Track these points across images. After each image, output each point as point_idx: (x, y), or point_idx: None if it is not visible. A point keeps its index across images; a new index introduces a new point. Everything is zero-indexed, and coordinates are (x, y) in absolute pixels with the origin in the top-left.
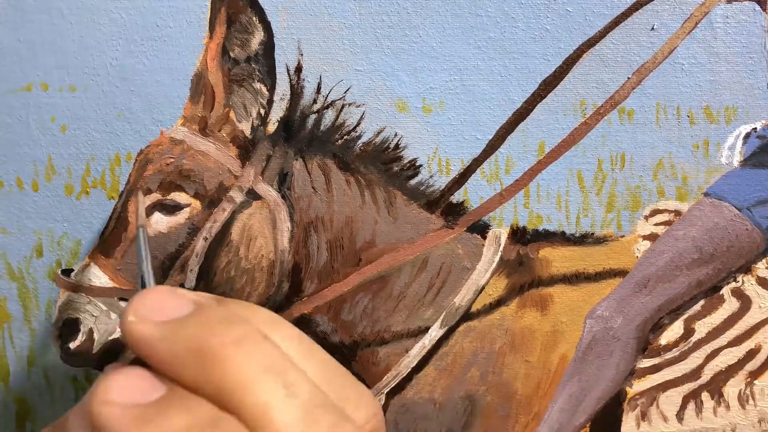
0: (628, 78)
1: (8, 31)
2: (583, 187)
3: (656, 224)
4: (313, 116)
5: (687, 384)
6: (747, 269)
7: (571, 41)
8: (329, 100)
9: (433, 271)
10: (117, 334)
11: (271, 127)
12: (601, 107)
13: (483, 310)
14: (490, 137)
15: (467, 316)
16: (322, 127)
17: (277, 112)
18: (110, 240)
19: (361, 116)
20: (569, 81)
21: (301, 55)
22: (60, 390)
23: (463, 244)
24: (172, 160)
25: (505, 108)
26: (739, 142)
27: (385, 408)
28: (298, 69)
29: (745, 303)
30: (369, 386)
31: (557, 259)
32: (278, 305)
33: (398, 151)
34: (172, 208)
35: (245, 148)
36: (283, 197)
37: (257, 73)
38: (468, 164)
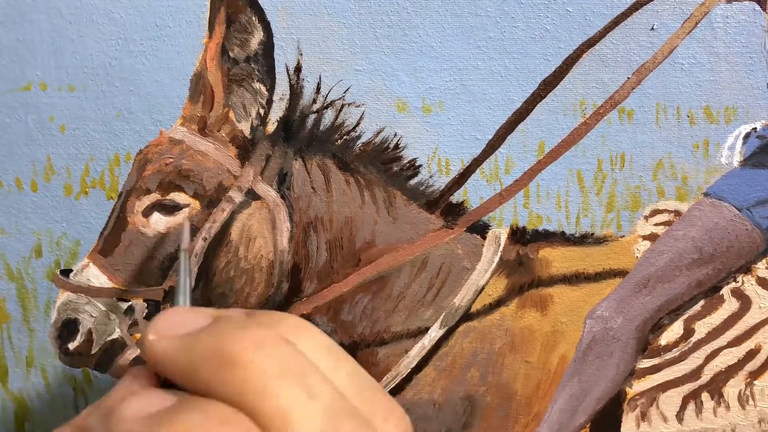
0: (628, 78)
1: (7, 31)
2: (583, 187)
3: (656, 224)
4: (313, 116)
5: (687, 384)
6: (747, 269)
7: (570, 41)
8: (329, 100)
9: (433, 271)
10: (116, 335)
11: (271, 127)
12: (601, 107)
13: (483, 310)
14: (490, 137)
15: (467, 316)
16: (321, 127)
17: (277, 112)
18: (109, 240)
19: (361, 116)
20: (569, 81)
21: (301, 54)
22: (59, 390)
23: (462, 245)
24: (171, 160)
25: (504, 108)
26: (739, 142)
27: None
28: (298, 69)
29: (745, 303)
30: None
31: (557, 259)
32: (278, 305)
33: (398, 151)
34: (171, 208)
35: (244, 148)
36: (282, 197)
37: (257, 72)
38: (468, 164)
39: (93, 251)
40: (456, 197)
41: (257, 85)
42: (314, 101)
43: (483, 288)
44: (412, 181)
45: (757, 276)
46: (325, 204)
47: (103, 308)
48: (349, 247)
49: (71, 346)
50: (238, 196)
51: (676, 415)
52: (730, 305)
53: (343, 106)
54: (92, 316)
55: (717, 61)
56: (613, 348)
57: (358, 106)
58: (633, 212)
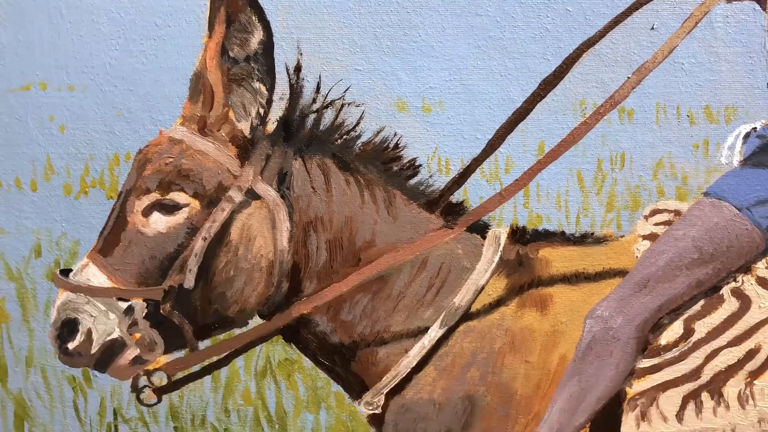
0: (628, 78)
1: (7, 31)
2: (583, 186)
3: (656, 224)
4: (313, 116)
5: (687, 384)
6: (747, 269)
7: (571, 41)
8: (329, 99)
9: (433, 271)
10: (115, 335)
11: (271, 127)
12: (601, 107)
13: (483, 310)
14: (490, 137)
15: (467, 316)
16: (321, 127)
17: (277, 112)
18: (109, 240)
19: (361, 116)
20: (569, 81)
21: (301, 54)
22: (58, 390)
23: (462, 244)
24: (171, 159)
25: (504, 107)
26: (739, 141)
27: (384, 408)
28: (298, 68)
29: (745, 303)
30: (368, 386)
31: (557, 259)
32: (277, 305)
33: (398, 150)
34: (171, 208)
35: (244, 148)
36: (282, 197)
37: (256, 72)
38: (468, 164)
39: (92, 251)
40: (456, 197)
41: (257, 85)
42: (314, 101)
43: (483, 288)
44: (412, 181)
45: (757, 276)
46: (325, 204)
47: (103, 308)
48: (349, 247)
49: (71, 345)
50: (237, 196)
51: (676, 415)
52: (730, 305)
53: (342, 105)
54: (92, 316)
55: (717, 61)
56: (613, 348)
57: (357, 106)
58: (633, 212)
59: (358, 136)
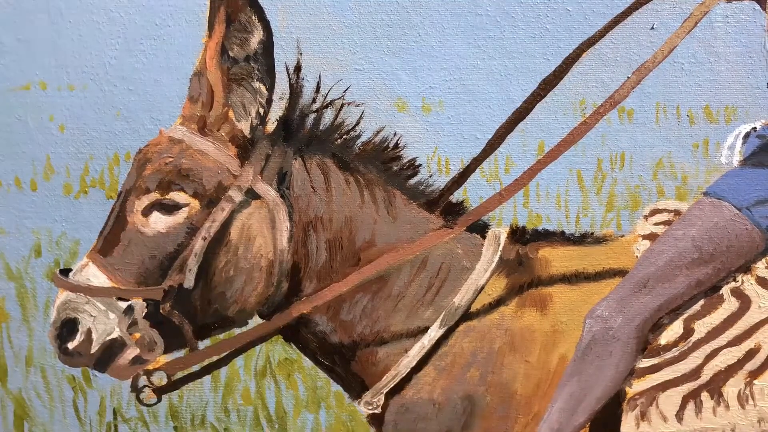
0: (628, 77)
1: (7, 30)
2: (583, 186)
3: (656, 224)
4: (313, 115)
5: (686, 384)
6: (746, 269)
7: (570, 40)
8: (328, 99)
9: (433, 270)
10: (115, 334)
11: (270, 127)
12: (601, 107)
13: (482, 309)
14: (490, 137)
15: (467, 315)
16: (321, 127)
17: (276, 112)
18: (109, 240)
19: (361, 115)
20: (569, 80)
21: (301, 54)
22: (58, 390)
23: (462, 244)
24: (170, 159)
25: (504, 107)
26: (739, 141)
27: (384, 408)
28: (298, 68)
29: (745, 303)
30: (368, 386)
31: (557, 258)
32: (277, 305)
33: (398, 150)
34: (171, 208)
35: (244, 148)
36: (282, 197)
37: (256, 72)
38: (467, 164)
39: (92, 250)
40: (456, 196)
41: (257, 85)
42: (314, 100)
43: (483, 287)
44: (412, 181)
45: (757, 275)
46: (324, 203)
47: (103, 307)
48: (349, 247)
49: (71, 345)
50: (237, 196)
51: (676, 415)
52: (730, 305)
53: (342, 105)
54: (91, 316)
55: (717, 61)
56: (612, 347)
57: (357, 106)
58: (633, 212)
59: (358, 136)
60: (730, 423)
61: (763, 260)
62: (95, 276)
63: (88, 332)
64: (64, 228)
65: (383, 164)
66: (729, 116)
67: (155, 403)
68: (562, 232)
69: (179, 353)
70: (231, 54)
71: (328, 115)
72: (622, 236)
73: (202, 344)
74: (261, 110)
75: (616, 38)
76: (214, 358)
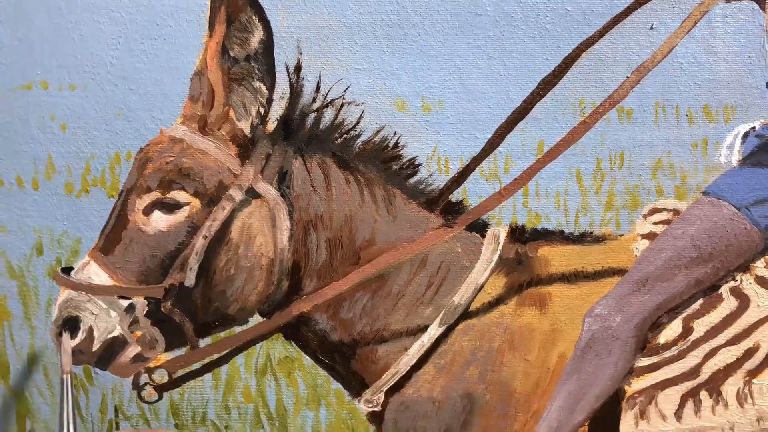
0: (627, 77)
1: (8, 30)
2: (582, 186)
3: (655, 223)
4: (313, 115)
5: (685, 382)
6: (745, 268)
7: (570, 40)
8: (328, 98)
9: (432, 269)
10: (117, 332)
11: (271, 126)
12: (600, 106)
13: (482, 308)
14: (489, 136)
15: (466, 314)
16: (321, 126)
17: (277, 111)
18: (110, 238)
19: (361, 115)
20: (568, 80)
21: (301, 53)
22: (60, 387)
23: (462, 243)
24: (171, 158)
25: (504, 107)
26: (738, 141)
27: (384, 406)
28: (298, 68)
29: (744, 302)
30: (368, 384)
31: (556, 257)
32: (277, 303)
33: (397, 149)
34: (171, 207)
35: (245, 147)
36: (282, 196)
37: (257, 71)
38: (467, 163)
39: (94, 249)
40: (455, 196)
41: (257, 84)
42: (314, 100)
43: (482, 286)
44: (412, 180)
45: (756, 275)
46: (325, 202)
47: (104, 306)
48: (349, 246)
49: (72, 343)
50: (238, 195)
51: (675, 413)
52: (729, 304)
53: (342, 104)
54: (93, 314)
55: (716, 61)
56: (611, 346)
57: (357, 105)
58: (632, 211)
59: (358, 135)
60: (728, 422)
61: (762, 259)
62: (97, 274)
63: (90, 330)
64: (66, 227)
65: (383, 163)
66: (728, 116)
67: (156, 401)
68: (562, 231)
69: (180, 351)
70: (231, 54)
71: (328, 115)
72: (622, 235)
73: (203, 342)
74: (261, 110)
75: (616, 38)
76: (215, 356)
